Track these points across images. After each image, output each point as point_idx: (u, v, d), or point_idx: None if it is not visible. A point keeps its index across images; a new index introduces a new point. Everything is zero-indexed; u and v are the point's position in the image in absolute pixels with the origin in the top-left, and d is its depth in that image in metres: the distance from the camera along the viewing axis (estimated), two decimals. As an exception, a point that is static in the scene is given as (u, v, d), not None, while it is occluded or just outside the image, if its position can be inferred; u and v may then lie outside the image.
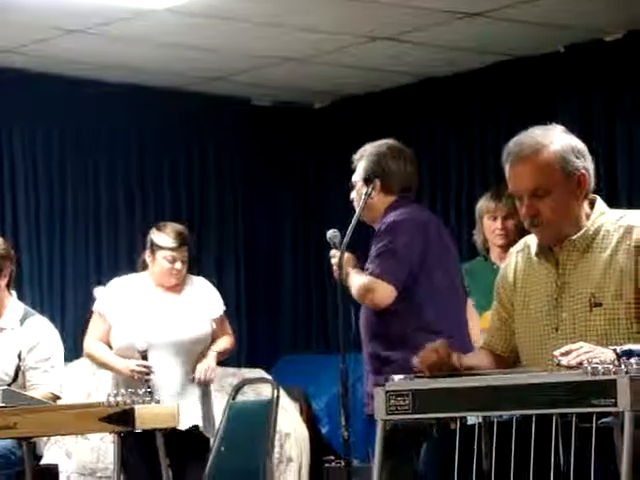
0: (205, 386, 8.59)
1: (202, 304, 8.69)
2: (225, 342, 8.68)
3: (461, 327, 7.33)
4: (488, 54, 10.53)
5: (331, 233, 7.37)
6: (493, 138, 7.51)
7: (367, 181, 7.26)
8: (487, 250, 8.54)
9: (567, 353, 4.84)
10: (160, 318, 8.53)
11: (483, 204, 8.46)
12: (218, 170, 11.14)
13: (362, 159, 7.32)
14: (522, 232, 8.01)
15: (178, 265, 8.53)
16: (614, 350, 4.79)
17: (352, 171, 7.50)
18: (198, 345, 8.60)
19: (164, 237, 8.54)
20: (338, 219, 7.28)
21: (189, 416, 8.23)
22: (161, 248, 8.52)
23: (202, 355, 8.65)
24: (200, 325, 8.58)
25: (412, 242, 7.16)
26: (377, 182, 7.20)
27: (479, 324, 8.02)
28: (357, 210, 7.31)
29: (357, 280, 7.09)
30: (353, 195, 7.48)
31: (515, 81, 10.65)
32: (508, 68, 10.75)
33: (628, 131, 10.08)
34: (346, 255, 7.13)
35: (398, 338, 7.07)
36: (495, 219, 8.32)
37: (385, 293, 6.99)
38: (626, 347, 4.84)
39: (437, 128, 11.08)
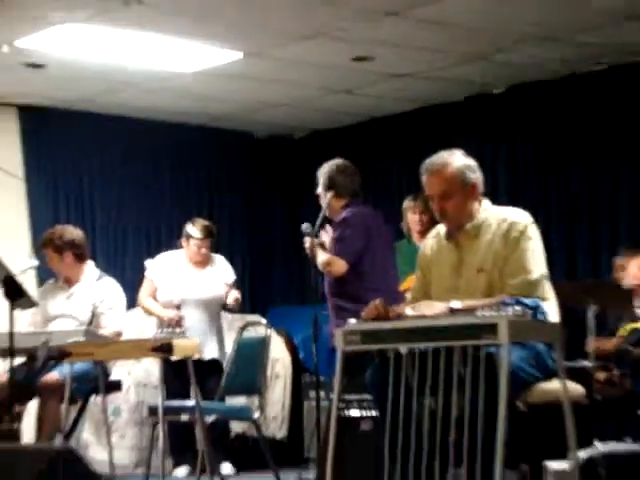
0: (219, 332, 8.77)
1: (220, 274, 8.84)
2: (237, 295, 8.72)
3: (391, 286, 7.34)
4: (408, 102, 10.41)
5: (305, 226, 7.37)
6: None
7: (326, 191, 7.45)
8: (410, 235, 8.72)
9: (466, 303, 5.03)
10: (190, 283, 8.70)
11: (406, 204, 8.69)
12: (231, 182, 11.03)
13: (321, 176, 7.45)
14: (432, 223, 8.36)
15: (203, 250, 8.75)
16: (498, 301, 4.95)
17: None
18: (215, 301, 8.79)
19: (195, 230, 8.72)
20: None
21: (210, 351, 8.48)
22: (192, 237, 8.73)
23: (219, 308, 8.88)
24: (217, 288, 8.76)
25: (356, 231, 7.28)
26: (331, 191, 7.41)
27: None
28: (322, 210, 7.44)
29: (321, 257, 7.16)
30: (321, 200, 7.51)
31: (426, 125, 10.37)
32: (423, 114, 10.52)
33: (509, 157, 9.95)
34: (315, 240, 7.22)
35: (350, 295, 7.09)
36: (414, 214, 8.60)
37: (339, 267, 7.13)
38: (509, 298, 4.98)
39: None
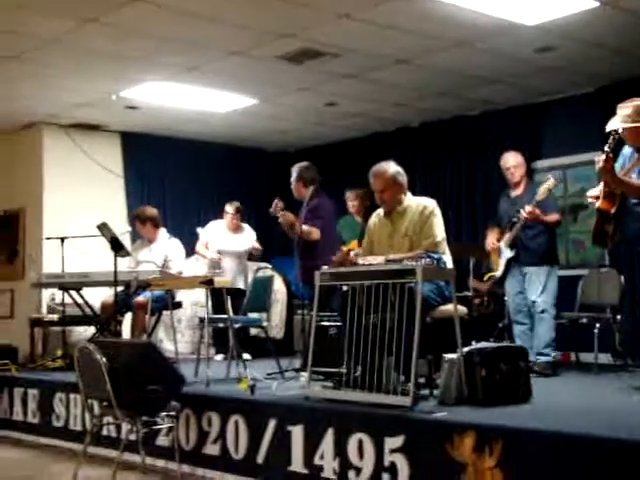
0: (245, 272, 8.57)
1: (246, 237, 8.73)
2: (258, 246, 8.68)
3: (335, 248, 6.89)
4: (358, 131, 10.33)
5: (274, 205, 7.09)
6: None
7: (297, 181, 7.10)
8: (351, 213, 8.62)
9: (396, 257, 5.00)
10: (226, 240, 8.65)
11: (348, 194, 8.62)
12: (250, 180, 10.91)
13: (293, 172, 7.15)
14: (365, 206, 8.33)
15: (234, 221, 8.63)
16: (416, 255, 4.91)
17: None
18: (242, 253, 8.69)
19: (229, 208, 8.62)
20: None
21: (239, 283, 8.36)
22: (227, 213, 8.64)
23: (246, 257, 8.74)
24: (243, 245, 8.70)
25: (325, 213, 7.06)
26: (301, 182, 7.14)
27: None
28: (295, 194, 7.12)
29: (304, 227, 6.82)
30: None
31: (370, 146, 10.22)
32: (368, 139, 10.39)
33: (424, 166, 9.83)
34: (290, 215, 6.94)
35: (315, 253, 6.82)
36: (354, 200, 8.57)
37: (316, 235, 6.88)
38: (423, 253, 4.97)
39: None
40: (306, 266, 6.49)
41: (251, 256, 8.82)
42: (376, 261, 5.03)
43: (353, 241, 8.24)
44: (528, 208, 6.52)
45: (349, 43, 7.05)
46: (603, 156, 4.88)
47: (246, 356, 8.23)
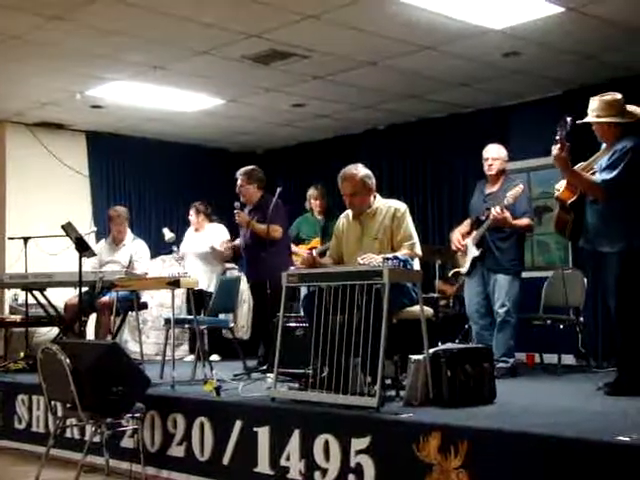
0: (212, 272, 8.50)
1: (208, 236, 8.66)
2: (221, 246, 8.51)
3: (289, 244, 7.39)
4: (325, 132, 10.35)
5: (235, 204, 7.33)
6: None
7: (249, 184, 7.34)
8: (312, 211, 8.63)
9: (363, 259, 5.02)
10: (190, 241, 8.67)
11: (310, 192, 8.63)
12: (213, 181, 10.71)
13: (243, 176, 7.36)
14: (326, 205, 8.37)
15: (196, 221, 8.73)
16: (383, 257, 4.90)
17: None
18: (207, 254, 8.61)
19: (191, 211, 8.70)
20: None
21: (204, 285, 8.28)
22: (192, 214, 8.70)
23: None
24: (206, 244, 8.61)
25: (284, 213, 7.27)
26: (255, 184, 7.36)
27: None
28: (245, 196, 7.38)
29: (263, 226, 6.98)
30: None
31: (336, 147, 10.24)
32: (335, 140, 10.41)
33: (389, 168, 9.80)
34: (244, 214, 7.22)
35: (276, 250, 7.00)
36: (316, 199, 8.59)
37: (279, 233, 7.07)
38: (390, 255, 4.94)
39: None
40: (271, 264, 6.54)
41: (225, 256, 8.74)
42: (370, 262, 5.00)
43: (315, 239, 8.28)
44: (497, 209, 6.45)
45: (317, 44, 7.05)
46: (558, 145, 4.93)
47: (215, 357, 8.23)
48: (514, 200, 6.50)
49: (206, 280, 8.38)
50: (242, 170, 7.43)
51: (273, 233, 6.99)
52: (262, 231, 7.05)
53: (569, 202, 5.24)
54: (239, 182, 7.40)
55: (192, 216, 8.70)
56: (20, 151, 9.66)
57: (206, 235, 8.72)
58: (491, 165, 6.73)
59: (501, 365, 6.39)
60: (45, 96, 8.57)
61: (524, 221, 6.62)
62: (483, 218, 6.60)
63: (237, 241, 8.21)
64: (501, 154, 6.79)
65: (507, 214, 6.46)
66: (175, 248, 7.60)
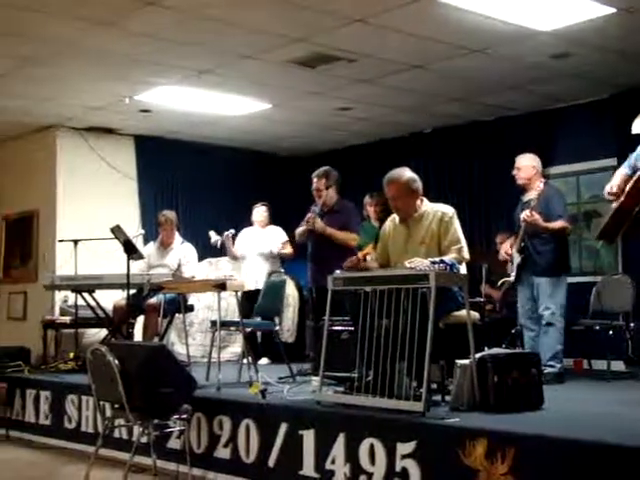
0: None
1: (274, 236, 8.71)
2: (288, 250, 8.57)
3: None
4: (371, 136, 10.39)
5: (312, 209, 7.18)
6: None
7: (330, 186, 7.20)
8: (369, 218, 8.66)
9: (410, 263, 4.95)
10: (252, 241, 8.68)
11: (366, 200, 8.49)
12: (263, 183, 10.75)
13: (322, 177, 7.17)
14: (383, 212, 8.29)
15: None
16: (430, 261, 4.89)
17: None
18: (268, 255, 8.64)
19: (255, 212, 8.71)
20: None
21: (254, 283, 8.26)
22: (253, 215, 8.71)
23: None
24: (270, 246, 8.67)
25: (359, 220, 7.37)
26: (334, 187, 7.22)
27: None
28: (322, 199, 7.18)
29: (344, 234, 7.03)
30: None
31: (382, 150, 10.23)
32: (381, 143, 10.40)
33: (436, 172, 9.76)
34: (320, 221, 7.07)
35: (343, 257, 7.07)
36: (372, 206, 8.51)
37: (355, 241, 7.03)
38: (436, 259, 4.94)
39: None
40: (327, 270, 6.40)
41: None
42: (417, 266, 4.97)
43: (369, 246, 8.25)
44: (525, 212, 6.42)
45: (363, 48, 7.04)
46: None
47: (264, 360, 8.25)
48: (538, 198, 6.42)
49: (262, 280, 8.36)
50: (319, 171, 7.20)
51: (351, 242, 6.94)
52: (342, 238, 7.01)
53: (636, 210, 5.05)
54: (315, 184, 7.17)
55: (262, 214, 8.70)
56: (71, 155, 9.79)
57: (269, 235, 8.71)
58: (516, 174, 6.76)
59: (548, 370, 6.32)
60: (95, 101, 8.67)
61: (558, 223, 6.54)
62: (520, 225, 6.60)
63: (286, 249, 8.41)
64: (527, 162, 6.75)
65: (536, 216, 6.40)
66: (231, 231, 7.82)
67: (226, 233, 8.30)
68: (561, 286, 6.57)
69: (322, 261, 7.04)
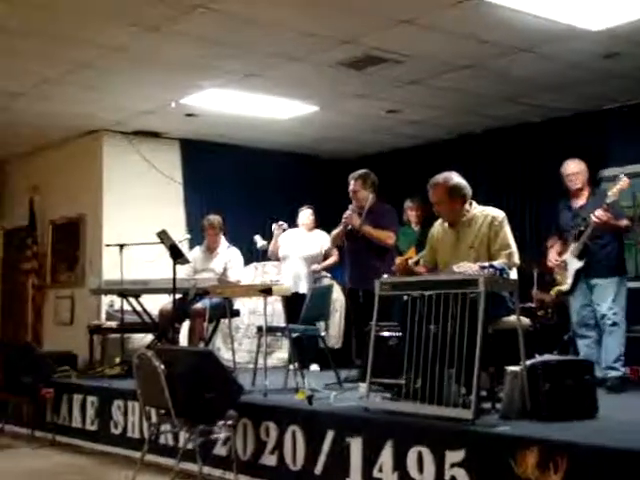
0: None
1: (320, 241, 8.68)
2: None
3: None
4: (420, 139, 10.35)
5: (349, 208, 7.19)
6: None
7: (366, 188, 7.22)
8: (409, 223, 8.67)
9: (459, 267, 4.98)
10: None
11: (407, 204, 8.67)
12: (305, 185, 10.74)
13: (359, 178, 7.22)
14: (424, 216, 8.29)
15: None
16: (479, 266, 4.90)
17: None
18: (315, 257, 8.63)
19: (301, 215, 8.71)
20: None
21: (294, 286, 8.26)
22: (299, 218, 8.72)
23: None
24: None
25: (396, 220, 7.42)
26: (371, 188, 7.20)
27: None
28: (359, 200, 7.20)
29: (381, 232, 7.05)
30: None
31: (431, 154, 10.17)
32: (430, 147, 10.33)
33: (487, 175, 9.63)
34: (357, 218, 7.08)
35: (384, 258, 7.02)
36: (412, 210, 8.56)
37: (393, 240, 7.14)
38: (486, 264, 4.94)
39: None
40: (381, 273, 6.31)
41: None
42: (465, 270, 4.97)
43: (410, 250, 8.21)
44: (599, 211, 6.34)
45: (411, 49, 7.02)
46: None
47: (314, 367, 8.26)
48: (619, 192, 6.36)
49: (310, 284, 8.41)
50: (356, 174, 7.28)
51: (387, 240, 7.01)
52: (378, 236, 7.05)
53: None
54: (352, 186, 7.24)
55: (308, 217, 8.70)
56: (117, 159, 9.88)
57: (315, 239, 8.68)
58: (573, 180, 6.71)
59: (612, 374, 6.28)
60: (142, 105, 8.76)
61: (624, 221, 6.55)
62: (582, 229, 6.52)
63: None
64: (581, 167, 6.75)
65: (610, 215, 6.37)
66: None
67: (280, 223, 8.33)
68: (623, 287, 6.57)
69: (361, 264, 7.10)
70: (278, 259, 8.68)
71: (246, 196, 10.56)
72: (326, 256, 8.64)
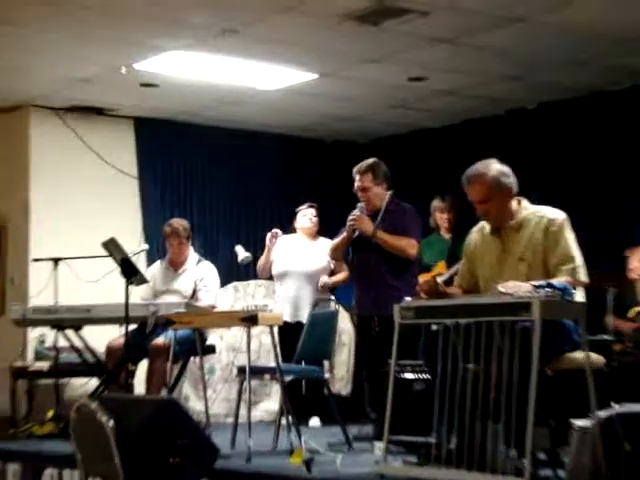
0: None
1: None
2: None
3: None
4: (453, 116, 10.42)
5: (358, 206, 7.20)
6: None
7: (378, 183, 7.27)
8: (438, 229, 8.75)
9: (504, 287, 4.91)
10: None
11: (436, 204, 8.75)
12: (303, 180, 10.87)
13: (367, 170, 7.25)
14: (457, 221, 8.36)
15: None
16: (532, 285, 4.84)
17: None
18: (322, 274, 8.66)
19: (300, 217, 8.74)
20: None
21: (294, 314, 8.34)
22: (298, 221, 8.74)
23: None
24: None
25: (419, 223, 7.40)
26: (384, 183, 7.27)
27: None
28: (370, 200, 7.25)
29: (397, 240, 7.05)
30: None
31: (469, 136, 10.27)
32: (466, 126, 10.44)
33: (541, 161, 9.70)
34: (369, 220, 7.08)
35: (403, 276, 7.06)
36: (443, 213, 8.60)
37: (416, 250, 7.17)
38: (542, 282, 4.88)
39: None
40: (400, 293, 6.28)
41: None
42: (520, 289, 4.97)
43: (440, 263, 8.24)
44: None
45: (442, -4, 7.08)
46: None
47: (315, 422, 8.34)
48: None
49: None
50: (362, 166, 7.31)
51: (409, 250, 7.04)
52: (396, 245, 7.07)
53: None
54: (359, 182, 7.29)
55: (310, 219, 8.69)
56: (47, 145, 9.91)
57: (320, 249, 8.56)
58: None
59: None
60: (80, 71, 8.76)
61: None
62: None
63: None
64: None
65: None
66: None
67: (275, 231, 8.36)
68: None
69: (375, 283, 7.12)
70: (271, 277, 8.68)
71: (224, 193, 10.60)
72: (333, 273, 8.65)
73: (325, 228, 8.78)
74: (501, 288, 4.99)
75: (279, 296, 8.52)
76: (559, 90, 9.42)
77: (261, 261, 8.44)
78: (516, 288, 4.93)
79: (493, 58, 8.44)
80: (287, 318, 8.01)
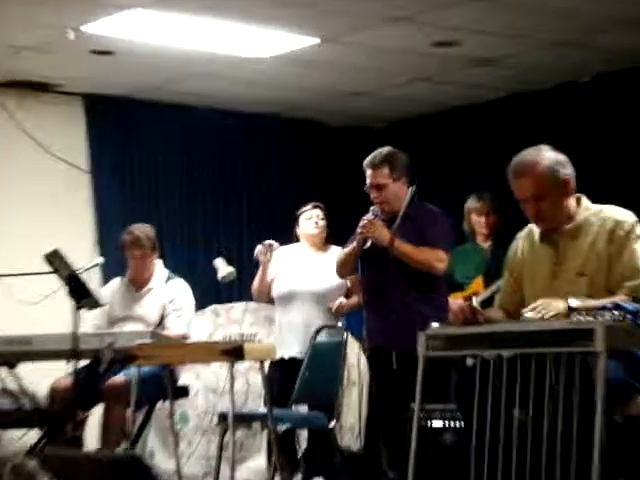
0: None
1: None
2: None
3: None
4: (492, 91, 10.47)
5: (371, 210, 7.13)
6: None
7: (396, 179, 7.21)
8: (473, 236, 8.70)
9: (533, 309, 4.95)
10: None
11: (470, 205, 8.64)
12: (302, 172, 10.99)
13: (384, 163, 7.18)
14: (499, 225, 8.39)
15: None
16: (594, 306, 4.79)
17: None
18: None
19: (303, 220, 8.58)
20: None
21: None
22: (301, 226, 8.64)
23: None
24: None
25: (451, 230, 7.38)
26: (404, 178, 7.21)
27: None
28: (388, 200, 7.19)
29: (422, 252, 7.01)
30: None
31: (511, 114, 10.33)
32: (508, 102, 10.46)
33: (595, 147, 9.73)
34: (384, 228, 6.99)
35: (430, 295, 7.07)
36: (480, 215, 8.56)
37: (445, 264, 7.11)
38: (607, 302, 4.83)
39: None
40: (423, 318, 6.21)
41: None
42: (552, 311, 4.96)
43: (476, 279, 8.22)
44: None
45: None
46: None
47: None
48: None
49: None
50: (375, 157, 7.25)
51: (436, 264, 7.02)
52: (420, 258, 7.03)
53: None
54: (372, 178, 7.23)
55: (317, 223, 8.53)
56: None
57: (332, 261, 8.07)
58: None
59: None
60: (16, 37, 8.80)
61: None
62: None
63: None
64: None
65: None
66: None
67: (268, 242, 8.24)
68: None
69: (393, 306, 7.12)
70: (270, 301, 8.59)
71: (199, 192, 10.67)
72: (350, 293, 8.41)
73: (332, 236, 8.73)
74: (528, 313, 5.00)
75: (281, 324, 8.36)
76: (620, 58, 9.46)
77: (256, 283, 8.27)
78: (544, 308, 4.94)
79: (539, 18, 8.45)
80: (294, 353, 7.97)
